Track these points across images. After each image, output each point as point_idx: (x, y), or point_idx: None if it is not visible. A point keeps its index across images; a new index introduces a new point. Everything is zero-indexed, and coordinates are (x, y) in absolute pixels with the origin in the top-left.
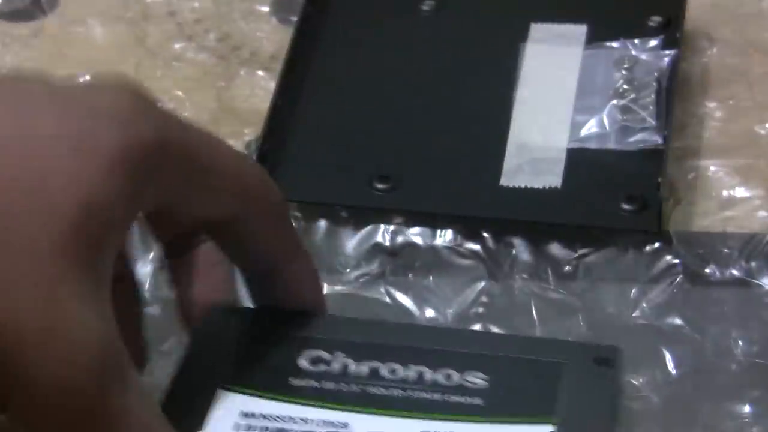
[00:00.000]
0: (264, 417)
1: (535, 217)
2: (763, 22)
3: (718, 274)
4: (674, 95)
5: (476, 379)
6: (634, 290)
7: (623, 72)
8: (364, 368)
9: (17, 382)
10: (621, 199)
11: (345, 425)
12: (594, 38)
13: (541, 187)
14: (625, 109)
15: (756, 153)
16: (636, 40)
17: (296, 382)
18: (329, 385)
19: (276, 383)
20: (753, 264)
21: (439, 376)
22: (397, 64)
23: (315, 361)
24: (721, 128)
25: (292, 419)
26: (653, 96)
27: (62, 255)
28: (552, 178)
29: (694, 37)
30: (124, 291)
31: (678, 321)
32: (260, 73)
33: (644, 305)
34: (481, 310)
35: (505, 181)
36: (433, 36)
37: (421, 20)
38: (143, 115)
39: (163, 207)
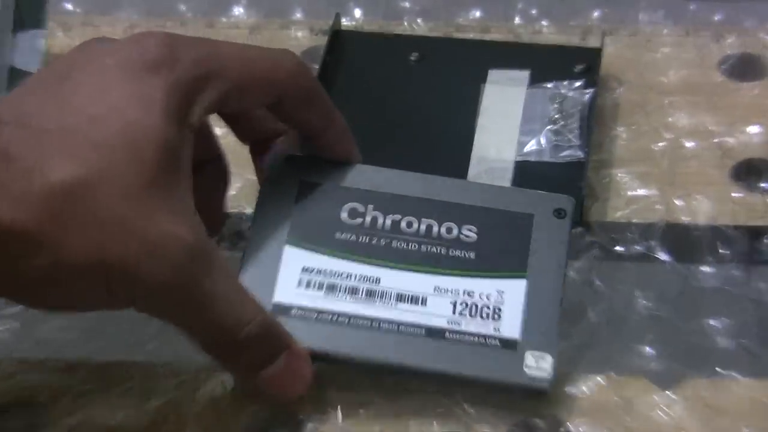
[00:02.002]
0: (319, 272)
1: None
2: (658, 68)
3: (625, 250)
4: (593, 122)
5: (469, 233)
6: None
7: (556, 105)
8: (388, 222)
9: (136, 285)
10: None
11: (377, 280)
12: (534, 81)
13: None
14: (557, 132)
15: (651, 164)
16: (565, 82)
17: (340, 236)
18: (364, 239)
19: (326, 238)
20: (651, 243)
21: (443, 230)
22: (390, 100)
23: (353, 214)
24: (627, 146)
25: (339, 274)
26: (577, 123)
27: (149, 185)
28: (503, 182)
29: (607, 80)
30: (213, 169)
31: (597, 282)
32: None
33: (572, 271)
34: None
35: None
36: (416, 79)
37: (408, 68)
38: (178, 53)
39: (224, 109)
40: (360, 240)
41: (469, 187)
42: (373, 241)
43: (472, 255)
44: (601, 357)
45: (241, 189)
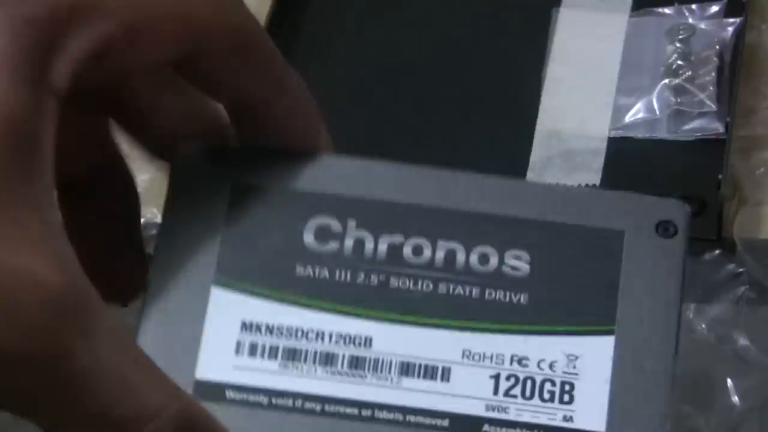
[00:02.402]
0: (270, 330)
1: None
2: None
3: None
4: (739, 73)
5: (518, 263)
6: (690, 306)
7: (677, 44)
8: (383, 246)
9: None
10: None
11: (368, 341)
12: (642, 2)
13: (575, 184)
14: (679, 90)
15: None
16: (693, 6)
17: (303, 271)
18: (343, 277)
19: (279, 275)
20: None
21: (474, 259)
22: (400, 35)
23: (323, 235)
24: None
25: (303, 333)
26: (714, 74)
27: None
28: (589, 175)
29: (764, 2)
30: (110, 189)
31: (743, 342)
32: None
33: (702, 325)
34: None
35: (531, 176)
36: (441, 2)
37: None
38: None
39: (106, 66)
40: (336, 277)
41: (515, 188)
42: (359, 279)
43: (524, 298)
44: None
45: (150, 185)
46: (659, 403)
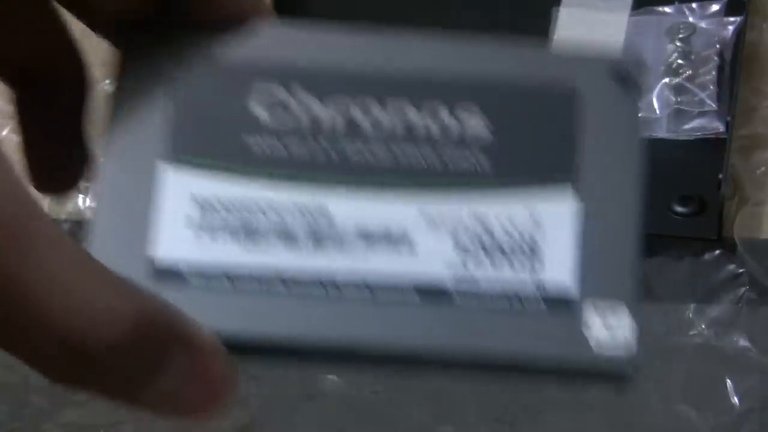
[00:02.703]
0: (224, 205)
1: None
2: None
3: None
4: (740, 72)
5: (475, 122)
6: (690, 306)
7: (678, 43)
8: (330, 110)
9: None
10: (673, 200)
11: (325, 211)
12: (642, 1)
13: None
14: (679, 89)
15: None
16: (694, 4)
17: (253, 141)
18: (293, 145)
19: (229, 145)
20: None
21: (427, 118)
22: (399, 28)
23: (270, 103)
24: None
25: (258, 207)
26: (714, 73)
27: None
28: None
29: (765, 2)
30: (55, 77)
31: (743, 343)
32: None
33: (702, 324)
34: None
35: None
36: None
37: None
38: None
39: None
40: (286, 144)
41: (466, 47)
42: (309, 146)
43: (483, 158)
44: None
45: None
46: (629, 253)
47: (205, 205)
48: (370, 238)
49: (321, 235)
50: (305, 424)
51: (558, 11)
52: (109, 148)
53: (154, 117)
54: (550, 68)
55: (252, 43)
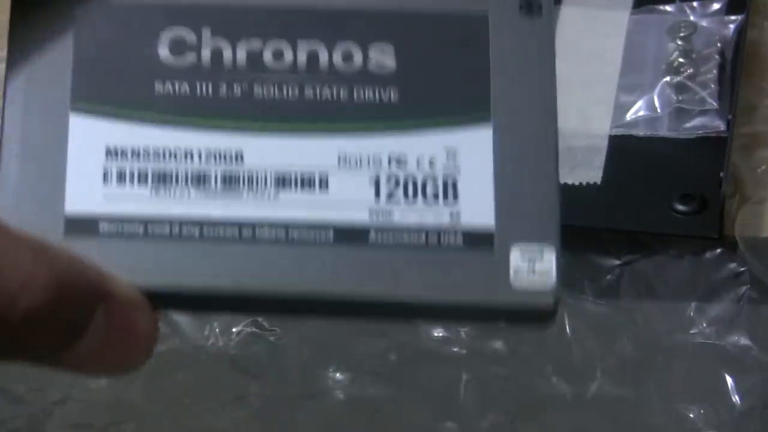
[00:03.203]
0: (136, 153)
1: (569, 220)
2: None
3: None
4: (741, 71)
5: (384, 57)
6: (691, 305)
7: (679, 42)
8: (241, 53)
9: None
10: (675, 199)
11: (239, 156)
12: (644, 0)
13: (577, 183)
14: (680, 88)
15: None
16: (695, 3)
17: (162, 88)
18: (204, 90)
19: (138, 92)
20: None
21: (338, 57)
22: None
23: (179, 47)
24: None
25: (171, 154)
26: (715, 72)
27: None
28: (590, 172)
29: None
30: None
31: (744, 341)
32: None
33: (703, 323)
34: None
35: None
36: None
37: None
38: None
39: None
40: (198, 91)
41: None
42: (221, 90)
43: (394, 95)
44: None
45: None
46: (549, 189)
47: (115, 153)
48: (284, 179)
49: (234, 179)
50: (306, 423)
51: (559, 9)
52: (11, 94)
53: (56, 61)
54: (463, 4)
55: None
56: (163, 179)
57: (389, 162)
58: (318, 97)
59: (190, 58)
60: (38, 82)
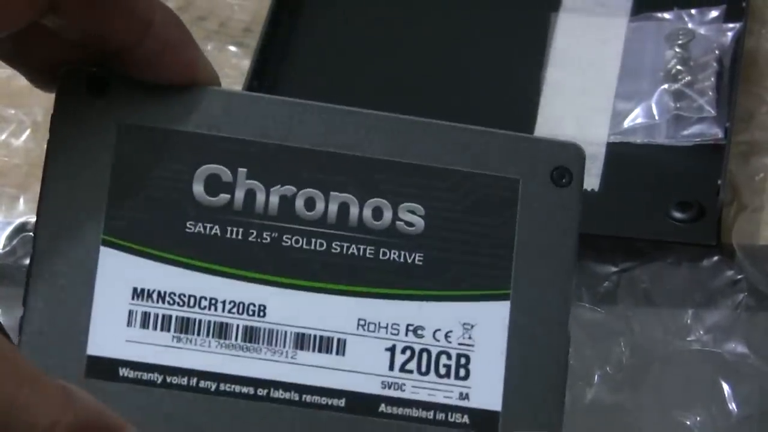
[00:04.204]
0: (163, 297)
1: None
2: None
3: None
4: (739, 78)
5: (413, 217)
6: (688, 312)
7: (677, 49)
8: (274, 199)
9: None
10: (672, 206)
11: (262, 309)
12: (642, 7)
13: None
14: (678, 95)
15: None
16: (693, 11)
17: (194, 228)
18: (234, 235)
19: (170, 231)
20: None
21: (367, 213)
22: (398, 39)
23: (213, 186)
24: None
25: (196, 301)
26: (713, 79)
27: None
28: (588, 179)
29: (763, 8)
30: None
31: (741, 349)
32: (231, 48)
33: (700, 330)
34: None
35: None
36: (442, 3)
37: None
38: None
39: None
40: (228, 234)
41: (407, 128)
42: (251, 237)
43: (418, 258)
44: None
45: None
46: (557, 375)
47: (141, 294)
48: (303, 339)
49: (255, 333)
50: None
51: (557, 17)
52: (41, 229)
53: (92, 194)
54: (495, 159)
55: (199, 113)
56: (186, 327)
57: (407, 331)
58: (344, 253)
59: (223, 198)
60: (72, 207)
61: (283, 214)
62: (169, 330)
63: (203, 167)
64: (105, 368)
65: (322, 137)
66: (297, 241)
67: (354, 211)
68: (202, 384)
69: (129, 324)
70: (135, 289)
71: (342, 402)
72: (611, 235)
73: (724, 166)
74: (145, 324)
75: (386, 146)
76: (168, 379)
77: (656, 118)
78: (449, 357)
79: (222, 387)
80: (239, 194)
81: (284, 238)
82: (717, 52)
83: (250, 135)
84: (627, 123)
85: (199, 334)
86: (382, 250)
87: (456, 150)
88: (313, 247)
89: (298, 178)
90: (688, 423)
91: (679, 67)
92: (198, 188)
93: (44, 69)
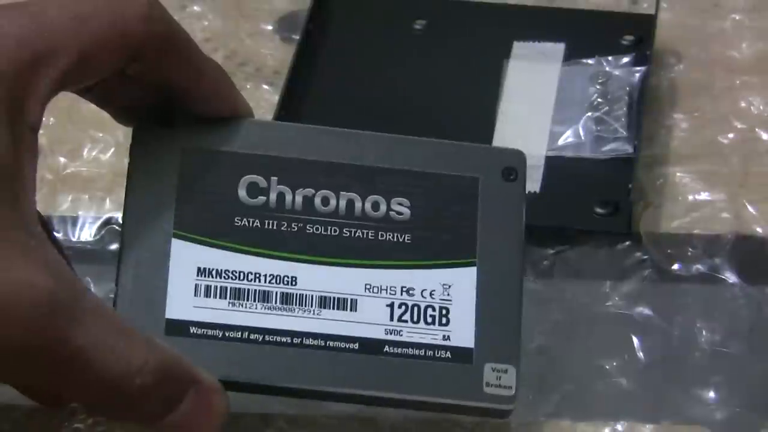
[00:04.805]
0: (219, 273)
1: None
2: (726, 40)
3: (683, 270)
4: (644, 108)
5: (402, 208)
6: (606, 283)
7: (598, 86)
8: (299, 199)
9: None
10: (595, 203)
11: (294, 280)
12: (571, 56)
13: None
14: (599, 121)
15: (718, 161)
16: (610, 57)
17: (240, 222)
18: (270, 225)
19: (223, 226)
20: (717, 261)
21: (369, 206)
22: (391, 79)
23: (253, 191)
24: (687, 138)
25: (245, 274)
26: (625, 108)
27: None
28: (531, 184)
29: (663, 54)
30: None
31: (647, 311)
32: (265, 86)
33: (616, 297)
34: None
35: None
36: (424, 53)
37: (413, 38)
38: None
39: (68, 88)
40: (266, 226)
41: (395, 144)
42: (283, 227)
43: (407, 238)
44: (653, 405)
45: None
46: (513, 320)
47: (203, 272)
48: (325, 300)
49: (289, 298)
50: None
51: (508, 62)
52: (127, 226)
53: (163, 200)
54: (460, 164)
55: (240, 138)
56: (238, 295)
57: (401, 292)
58: (352, 236)
59: (261, 199)
60: (150, 211)
61: (305, 209)
62: (225, 298)
63: (245, 177)
64: (179, 328)
65: (332, 152)
66: (317, 229)
67: (358, 205)
68: (251, 336)
69: (195, 294)
70: (199, 269)
71: (356, 345)
72: (549, 226)
73: (634, 173)
74: (207, 294)
75: (381, 157)
76: (226, 334)
77: (582, 138)
78: (434, 309)
79: (266, 338)
80: (272, 196)
81: (307, 226)
82: (628, 88)
83: (279, 152)
84: (561, 141)
85: (247, 300)
86: (380, 233)
87: (433, 158)
88: (329, 233)
89: (315, 182)
90: (607, 367)
91: (599, 100)
92: (242, 193)
93: (125, 107)
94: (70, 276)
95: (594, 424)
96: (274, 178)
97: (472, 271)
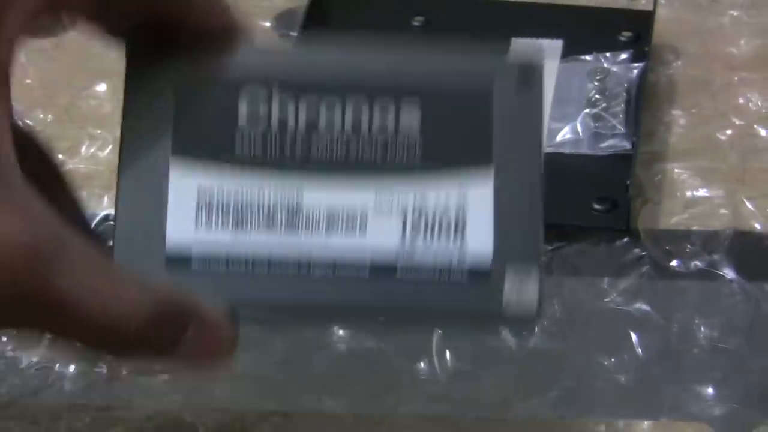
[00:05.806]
0: (221, 195)
1: None
2: (724, 36)
3: (682, 266)
4: (642, 104)
5: (411, 114)
6: (605, 280)
7: (596, 83)
8: (302, 106)
9: None
10: (593, 200)
11: (299, 197)
12: (569, 52)
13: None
14: (597, 117)
15: (717, 157)
16: (608, 54)
17: (241, 136)
18: (273, 137)
19: (223, 142)
20: (715, 257)
21: (376, 112)
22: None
23: (254, 101)
24: (685, 134)
25: (248, 195)
26: (623, 105)
27: None
28: None
29: (661, 51)
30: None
31: (645, 307)
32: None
33: (614, 294)
34: None
35: None
36: None
37: (411, 35)
38: None
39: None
40: (268, 138)
41: (401, 50)
42: (286, 138)
43: (418, 143)
44: (651, 401)
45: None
46: (535, 224)
47: (204, 199)
48: (333, 221)
49: (296, 220)
50: (319, 370)
51: None
52: (123, 153)
53: (161, 123)
54: (467, 64)
55: (239, 51)
56: (240, 219)
57: (414, 204)
58: (360, 147)
59: (263, 109)
60: (147, 138)
61: (310, 120)
62: (227, 224)
63: (245, 88)
64: (181, 258)
65: (336, 63)
66: (322, 140)
67: (366, 113)
68: (257, 270)
69: (197, 222)
70: (200, 187)
71: (366, 272)
72: (547, 222)
73: (632, 170)
74: (209, 221)
75: (389, 63)
76: (229, 264)
77: (580, 134)
78: (449, 220)
79: (272, 271)
80: (274, 106)
81: (312, 135)
82: (626, 84)
83: (279, 65)
84: (559, 138)
85: (251, 224)
86: (389, 138)
87: (443, 62)
88: (335, 144)
89: (320, 89)
90: (606, 363)
91: (597, 96)
92: (242, 105)
93: (118, 25)
94: (53, 224)
95: (593, 421)
96: (275, 89)
97: (489, 176)
